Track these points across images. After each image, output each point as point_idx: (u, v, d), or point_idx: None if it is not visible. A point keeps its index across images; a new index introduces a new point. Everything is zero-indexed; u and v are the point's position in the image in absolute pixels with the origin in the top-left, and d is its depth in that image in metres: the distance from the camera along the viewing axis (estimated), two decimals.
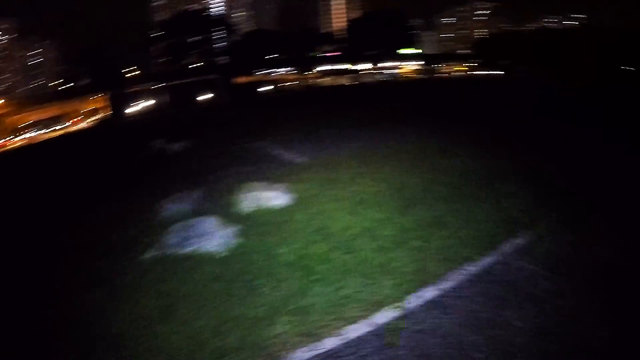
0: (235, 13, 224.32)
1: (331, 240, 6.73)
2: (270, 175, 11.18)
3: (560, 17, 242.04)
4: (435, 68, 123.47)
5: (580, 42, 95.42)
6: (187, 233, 7.27)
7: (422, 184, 9.36)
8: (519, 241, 6.60)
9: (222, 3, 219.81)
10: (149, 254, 6.96)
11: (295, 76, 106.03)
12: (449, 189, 8.95)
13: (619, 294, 5.19)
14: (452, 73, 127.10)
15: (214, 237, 7.14)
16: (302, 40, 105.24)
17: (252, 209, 8.49)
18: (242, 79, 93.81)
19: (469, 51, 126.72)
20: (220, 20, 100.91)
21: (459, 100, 31.76)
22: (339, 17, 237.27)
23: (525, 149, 12.70)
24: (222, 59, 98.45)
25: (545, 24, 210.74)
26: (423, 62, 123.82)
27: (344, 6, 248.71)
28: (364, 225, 7.20)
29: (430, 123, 18.93)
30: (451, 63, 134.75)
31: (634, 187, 9.37)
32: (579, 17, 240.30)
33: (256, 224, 7.72)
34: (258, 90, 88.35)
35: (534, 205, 7.93)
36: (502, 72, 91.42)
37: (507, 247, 6.41)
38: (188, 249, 6.91)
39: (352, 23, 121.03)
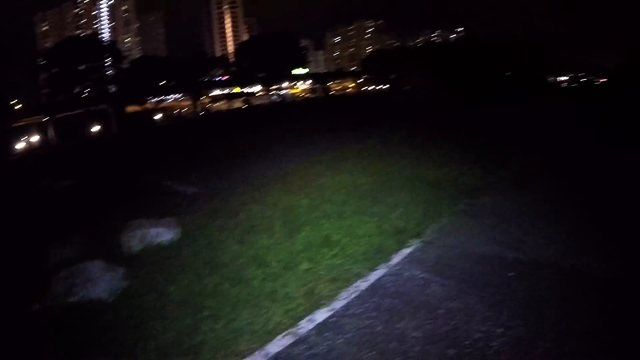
0: (125, 39, 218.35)
1: (220, 272, 6.48)
2: (161, 209, 10.70)
3: (439, 31, 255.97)
4: (327, 86, 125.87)
5: (462, 53, 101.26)
6: (74, 280, 6.72)
7: (310, 204, 9.37)
8: (409, 250, 6.71)
9: (108, 29, 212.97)
10: (34, 307, 6.39)
11: (187, 102, 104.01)
12: (338, 206, 9.02)
13: (507, 290, 5.36)
14: (344, 90, 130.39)
15: (102, 282, 6.66)
16: (193, 65, 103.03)
17: (141, 247, 8.02)
18: (133, 108, 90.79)
19: (358, 68, 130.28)
20: (109, 47, 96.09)
21: (348, 116, 32.45)
22: (231, 40, 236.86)
23: (407, 159, 13.38)
24: (112, 88, 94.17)
25: (430, 38, 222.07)
26: (312, 82, 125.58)
27: (237, 28, 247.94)
28: (252, 253, 7.00)
29: (320, 142, 19.30)
30: (342, 80, 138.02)
31: (513, 187, 10.05)
32: (458, 30, 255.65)
33: (145, 263, 7.29)
34: (150, 119, 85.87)
35: (420, 214, 8.17)
36: (389, 86, 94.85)
37: (397, 258, 6.49)
38: (76, 298, 6.39)
39: (241, 45, 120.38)
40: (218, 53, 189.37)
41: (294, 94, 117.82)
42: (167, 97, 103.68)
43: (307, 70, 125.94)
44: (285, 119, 36.57)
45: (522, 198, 9.19)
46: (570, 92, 63.19)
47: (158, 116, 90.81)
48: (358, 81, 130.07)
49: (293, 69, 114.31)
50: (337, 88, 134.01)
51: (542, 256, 6.24)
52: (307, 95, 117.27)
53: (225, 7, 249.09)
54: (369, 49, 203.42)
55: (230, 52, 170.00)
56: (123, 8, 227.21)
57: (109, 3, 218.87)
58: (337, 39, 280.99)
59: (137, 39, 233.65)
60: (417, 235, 7.23)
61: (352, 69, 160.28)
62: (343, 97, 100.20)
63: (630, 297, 5.04)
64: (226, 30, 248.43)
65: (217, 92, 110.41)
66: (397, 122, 24.98)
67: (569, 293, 5.19)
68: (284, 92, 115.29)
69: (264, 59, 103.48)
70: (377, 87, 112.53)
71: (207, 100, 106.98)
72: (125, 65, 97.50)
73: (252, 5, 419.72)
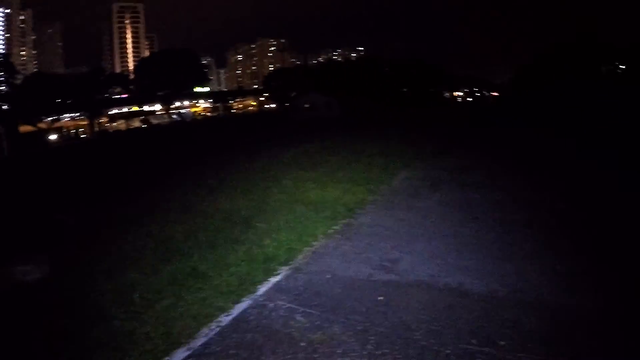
0: (21, 51, 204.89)
1: (84, 312, 6.00)
2: (35, 243, 9.78)
3: (340, 50, 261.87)
4: (229, 105, 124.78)
5: (362, 71, 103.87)
6: None
7: (184, 232, 9.04)
8: (276, 279, 6.53)
9: (3, 40, 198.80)
10: None
11: (85, 122, 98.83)
12: (211, 233, 8.75)
13: (375, 315, 5.28)
14: (246, 109, 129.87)
15: None
16: (91, 81, 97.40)
17: (5, 288, 7.36)
18: (26, 128, 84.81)
19: (260, 86, 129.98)
20: (2, 61, 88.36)
21: (243, 136, 32.07)
22: (131, 56, 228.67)
23: (292, 180, 13.51)
24: (4, 106, 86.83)
25: (332, 57, 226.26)
26: (213, 100, 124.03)
27: (138, 44, 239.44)
28: (118, 289, 6.55)
29: (210, 164, 19.12)
30: (244, 99, 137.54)
31: (393, 204, 10.21)
32: (360, 49, 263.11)
33: (6, 306, 6.65)
34: (44, 140, 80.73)
35: (294, 238, 8.06)
36: (288, 105, 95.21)
37: (264, 288, 6.27)
38: None
39: (141, 62, 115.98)
40: (119, 69, 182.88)
41: (195, 112, 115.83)
42: (63, 116, 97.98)
43: (208, 88, 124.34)
44: (181, 140, 35.78)
45: (402, 215, 9.36)
46: (463, 105, 66.68)
47: (53, 137, 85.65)
48: (260, 99, 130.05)
49: (195, 87, 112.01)
50: (239, 106, 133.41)
51: (415, 276, 6.27)
52: (208, 114, 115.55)
53: (126, 21, 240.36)
54: (272, 68, 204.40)
55: (130, 68, 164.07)
56: (20, 18, 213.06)
57: (6, 12, 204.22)
58: (240, 57, 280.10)
59: (34, 52, 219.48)
60: (287, 261, 7.07)
61: (255, 87, 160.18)
62: (244, 115, 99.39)
63: (504, 314, 5.07)
64: (127, 46, 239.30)
65: (116, 110, 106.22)
66: (291, 140, 25.12)
67: (440, 314, 5.17)
68: (185, 111, 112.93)
69: (165, 76, 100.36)
70: (279, 105, 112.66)
71: (105, 119, 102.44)
72: (18, 80, 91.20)
73: (154, 20, 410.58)
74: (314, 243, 7.89)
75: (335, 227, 8.70)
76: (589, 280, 5.85)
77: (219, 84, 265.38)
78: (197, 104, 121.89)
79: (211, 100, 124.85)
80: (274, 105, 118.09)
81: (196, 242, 8.27)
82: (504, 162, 15.48)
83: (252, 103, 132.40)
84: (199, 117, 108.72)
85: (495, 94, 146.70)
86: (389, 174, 13.68)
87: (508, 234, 7.78)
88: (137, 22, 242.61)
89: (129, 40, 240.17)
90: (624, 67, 58.52)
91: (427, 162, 15.85)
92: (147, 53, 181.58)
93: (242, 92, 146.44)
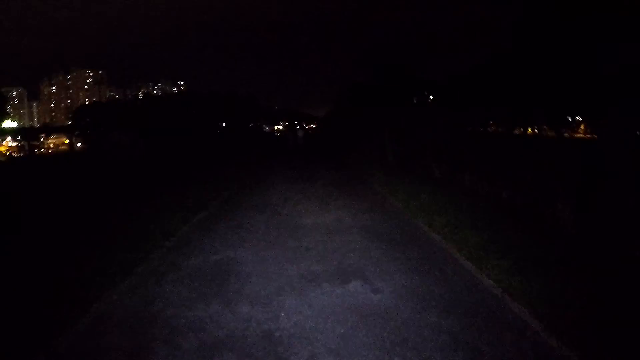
0: None
1: None
2: None
3: (160, 84, 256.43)
4: (37, 144, 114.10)
5: (179, 105, 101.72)
6: None
7: None
8: None
9: None
10: None
11: None
12: None
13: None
14: (57, 148, 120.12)
15: None
16: None
17: None
18: None
19: (71, 122, 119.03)
20: None
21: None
22: None
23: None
24: None
25: (153, 91, 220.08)
26: (21, 138, 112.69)
27: None
28: None
29: None
30: (57, 136, 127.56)
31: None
32: (180, 83, 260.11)
33: None
34: None
35: None
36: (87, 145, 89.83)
37: None
38: None
39: None
40: None
41: None
42: None
43: (15, 123, 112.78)
44: None
45: None
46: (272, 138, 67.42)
47: None
48: (75, 136, 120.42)
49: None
50: (50, 145, 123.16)
51: None
52: (14, 154, 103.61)
53: None
54: (86, 101, 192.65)
55: None
56: None
57: None
58: (54, 89, 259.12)
59: None
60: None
61: (69, 122, 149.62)
62: (44, 157, 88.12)
63: None
64: None
65: None
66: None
67: None
68: None
69: None
70: (88, 144, 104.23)
71: None
72: None
73: None
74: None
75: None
76: None
77: (31, 119, 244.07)
78: (3, 143, 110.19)
79: (19, 138, 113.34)
80: (81, 146, 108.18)
81: None
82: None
83: (65, 141, 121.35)
84: (2, 158, 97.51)
85: (314, 126, 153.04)
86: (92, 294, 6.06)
87: None
88: None
89: None
90: (432, 97, 64.27)
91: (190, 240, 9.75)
92: None
93: (52, 129, 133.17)
